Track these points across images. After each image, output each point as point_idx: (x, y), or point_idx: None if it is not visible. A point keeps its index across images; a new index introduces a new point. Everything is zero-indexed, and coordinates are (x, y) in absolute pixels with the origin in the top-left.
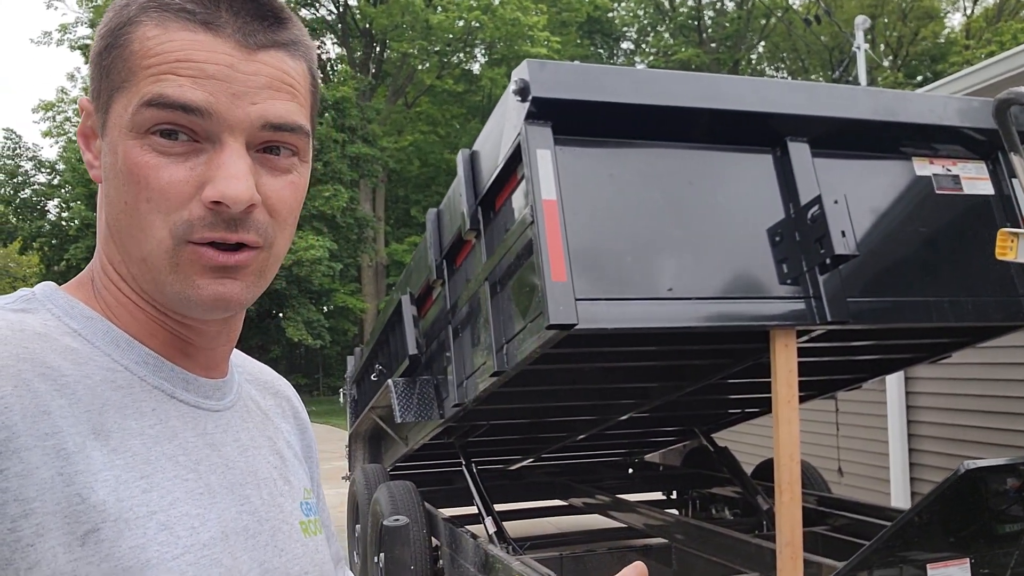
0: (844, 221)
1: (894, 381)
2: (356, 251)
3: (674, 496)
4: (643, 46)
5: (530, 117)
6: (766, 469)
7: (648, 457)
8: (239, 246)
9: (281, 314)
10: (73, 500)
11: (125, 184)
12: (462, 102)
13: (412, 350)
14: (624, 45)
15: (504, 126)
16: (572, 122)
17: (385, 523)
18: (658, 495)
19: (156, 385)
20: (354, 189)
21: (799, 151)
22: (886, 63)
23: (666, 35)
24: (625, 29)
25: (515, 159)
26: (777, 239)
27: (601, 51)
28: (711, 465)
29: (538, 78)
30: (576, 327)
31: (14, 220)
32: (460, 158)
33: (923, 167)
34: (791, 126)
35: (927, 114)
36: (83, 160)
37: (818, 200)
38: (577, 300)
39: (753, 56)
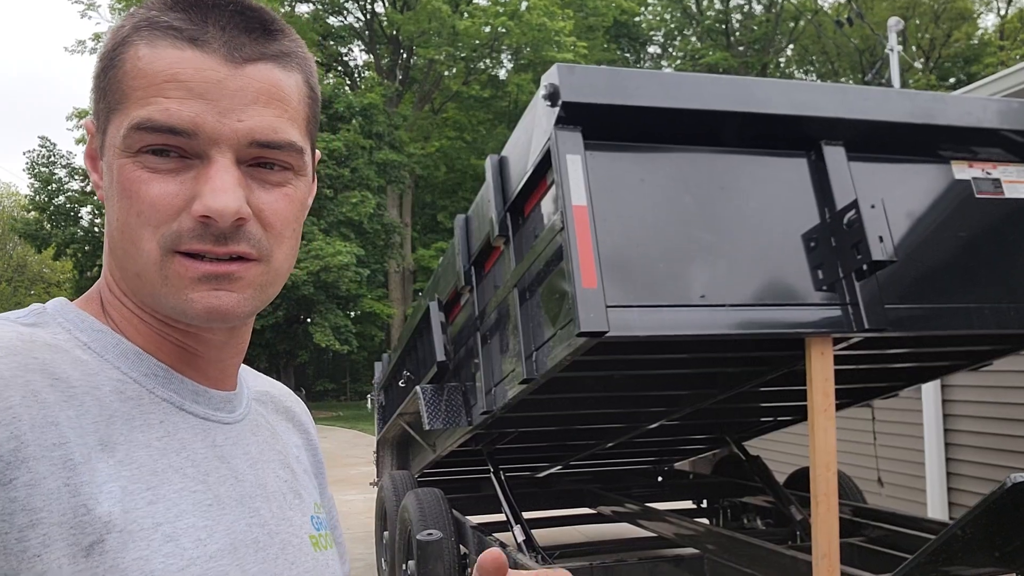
0: (882, 226)
1: (930, 388)
2: (383, 257)
3: (704, 505)
4: (670, 50)
5: (560, 122)
6: (799, 478)
7: (677, 465)
8: (232, 259)
9: (309, 320)
10: (79, 511)
11: (119, 201)
12: (488, 108)
13: (440, 357)
14: (651, 49)
15: (533, 131)
16: (602, 126)
17: (419, 537)
18: (688, 504)
19: (165, 397)
20: (381, 195)
21: (834, 154)
22: (918, 65)
23: (693, 39)
24: (652, 33)
25: (545, 164)
26: (812, 244)
27: (628, 55)
28: (742, 474)
29: (568, 82)
30: (607, 335)
31: (48, 227)
32: (489, 164)
33: (962, 171)
34: (826, 129)
35: (966, 116)
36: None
37: (855, 204)
38: (608, 307)
39: (782, 60)
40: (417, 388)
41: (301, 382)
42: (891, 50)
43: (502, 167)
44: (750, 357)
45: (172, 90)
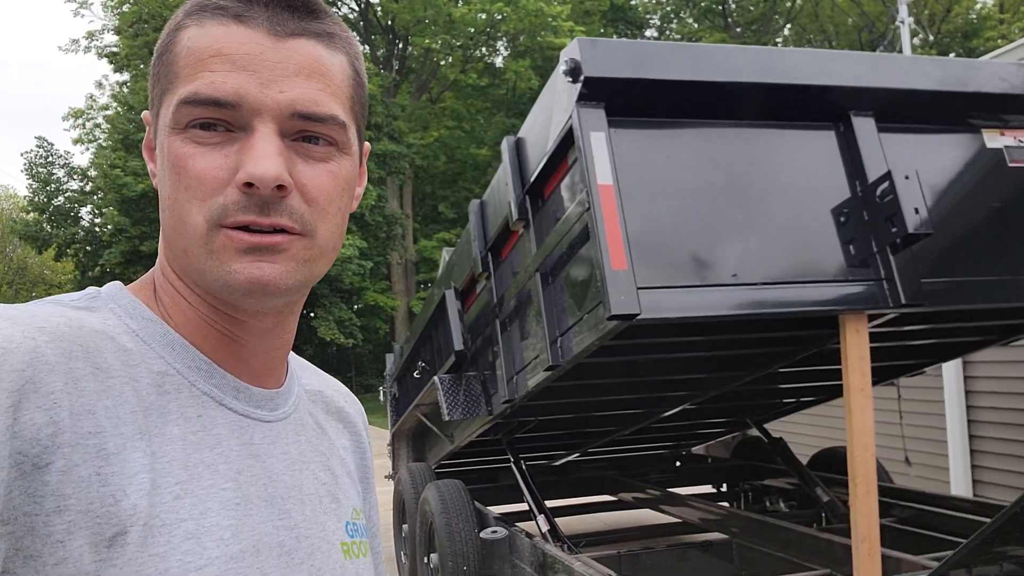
0: (917, 198)
1: (951, 365)
2: (385, 249)
3: (724, 489)
4: (667, 32)
5: (582, 98)
6: (820, 460)
7: (694, 449)
8: (276, 231)
9: (312, 313)
10: (107, 501)
11: (169, 177)
12: (486, 96)
13: (458, 346)
14: (648, 33)
15: (553, 110)
16: (625, 102)
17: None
18: (707, 488)
19: (206, 391)
20: (381, 187)
21: (864, 125)
22: (916, 41)
23: (690, 20)
24: (648, 16)
25: (566, 143)
26: (842, 219)
27: (625, 39)
28: (763, 456)
29: (590, 56)
30: (638, 317)
31: (48, 228)
32: (505, 146)
33: (994, 139)
34: (855, 99)
35: (999, 83)
36: (148, 170)
37: (888, 176)
38: (639, 289)
39: (779, 39)
40: (435, 378)
41: None
42: (902, 22)
43: (519, 149)
44: (779, 337)
45: (217, 64)
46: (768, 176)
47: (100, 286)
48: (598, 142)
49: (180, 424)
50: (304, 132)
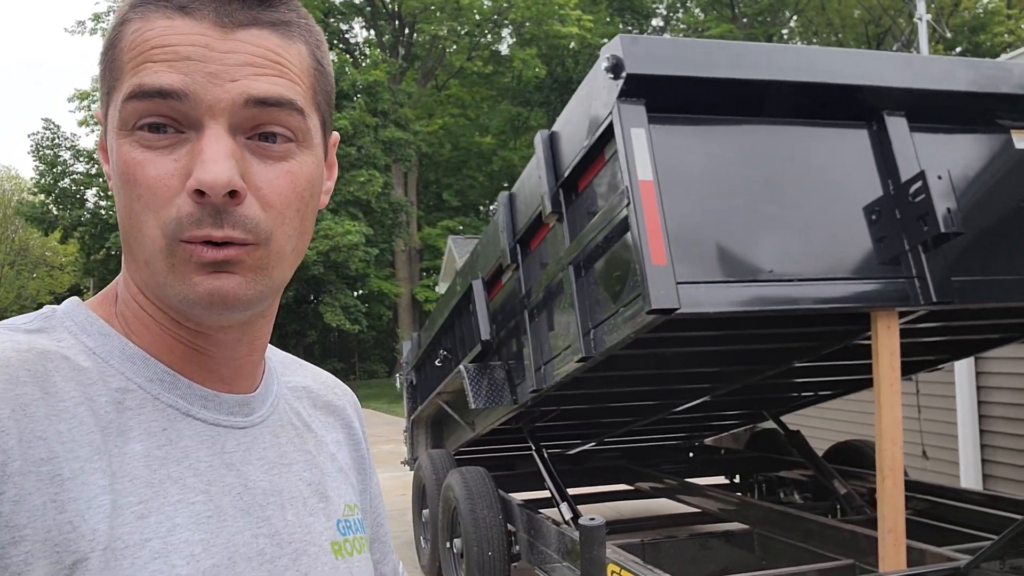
0: (949, 198)
1: (964, 360)
2: (391, 236)
3: (737, 480)
4: (673, 22)
5: (623, 95)
6: (835, 453)
7: (707, 441)
8: (227, 243)
9: (318, 300)
10: (64, 528)
11: (121, 187)
12: (491, 84)
13: (485, 336)
14: (654, 22)
15: (591, 105)
16: (665, 99)
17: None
18: (719, 479)
19: (170, 403)
20: (387, 174)
21: (897, 125)
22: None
23: (696, 10)
24: (655, 5)
25: (604, 139)
26: (874, 217)
27: (630, 28)
28: (777, 448)
29: (632, 54)
30: (677, 312)
31: (55, 210)
32: (539, 139)
33: (1022, 140)
34: (889, 99)
35: None
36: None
37: (921, 176)
38: (678, 284)
39: (785, 31)
40: (461, 367)
41: (309, 362)
42: (919, 19)
43: (553, 143)
44: (807, 332)
45: (160, 55)
46: (802, 173)
47: (105, 269)
48: (639, 138)
49: (143, 440)
50: (260, 125)
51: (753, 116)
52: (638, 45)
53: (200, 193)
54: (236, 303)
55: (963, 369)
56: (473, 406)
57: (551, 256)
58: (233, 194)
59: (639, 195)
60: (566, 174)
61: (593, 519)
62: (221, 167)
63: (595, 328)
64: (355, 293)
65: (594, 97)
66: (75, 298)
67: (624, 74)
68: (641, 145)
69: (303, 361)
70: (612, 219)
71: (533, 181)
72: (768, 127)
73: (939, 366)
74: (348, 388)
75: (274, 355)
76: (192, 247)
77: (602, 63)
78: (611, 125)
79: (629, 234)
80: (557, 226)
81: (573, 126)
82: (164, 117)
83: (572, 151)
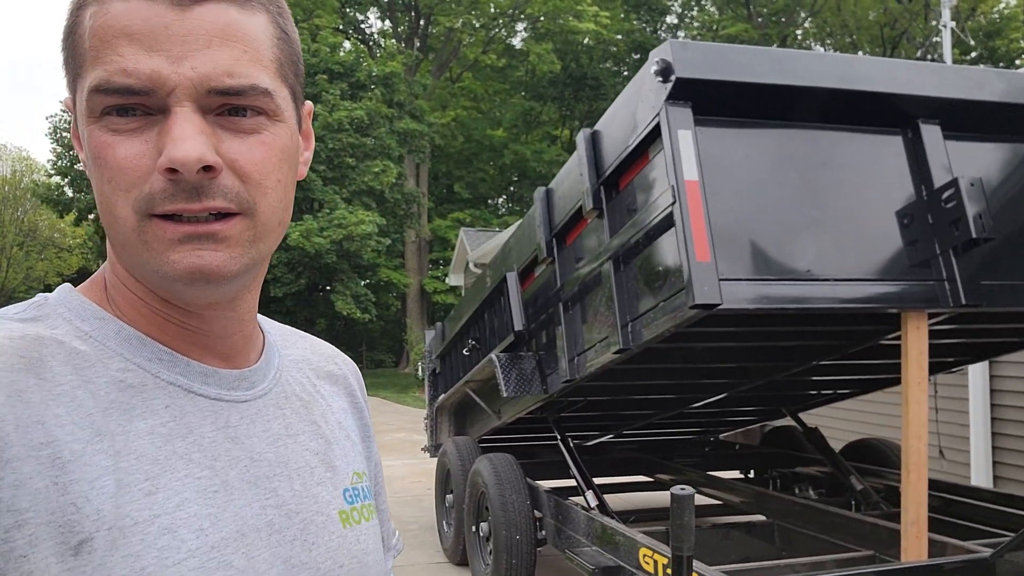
0: (981, 204)
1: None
2: (403, 226)
3: (751, 475)
4: (687, 20)
5: (671, 98)
6: (851, 451)
7: (722, 436)
8: (213, 216)
9: (329, 288)
10: (68, 510)
11: (94, 171)
12: (505, 77)
13: (518, 326)
14: (668, 19)
15: (637, 106)
16: (710, 102)
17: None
18: (735, 474)
19: (171, 381)
20: (400, 164)
21: (931, 133)
22: (937, 40)
23: (711, 9)
24: (670, 3)
25: (649, 139)
26: (906, 221)
27: (645, 26)
28: (793, 444)
29: (681, 58)
30: (719, 307)
31: (70, 192)
32: (581, 138)
33: None
34: (924, 108)
35: None
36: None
37: (954, 183)
38: (720, 280)
39: (799, 32)
40: (492, 356)
41: None
42: (944, 26)
43: (595, 141)
44: (836, 331)
45: (124, 46)
46: (838, 177)
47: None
48: (685, 140)
49: (147, 418)
50: (227, 106)
51: (793, 121)
52: (687, 50)
53: (172, 171)
54: (219, 278)
55: (977, 372)
56: (505, 394)
57: (588, 250)
58: (208, 169)
59: (685, 194)
60: (608, 172)
61: (684, 488)
62: (191, 144)
63: (633, 321)
64: (364, 283)
65: (641, 99)
66: (67, 284)
67: (673, 77)
68: (688, 146)
69: (301, 332)
70: (656, 216)
71: (573, 177)
72: (807, 132)
73: (958, 368)
74: (348, 358)
75: (272, 328)
76: (165, 223)
77: (651, 66)
78: (658, 126)
79: (673, 231)
80: (596, 221)
81: (617, 125)
82: (131, 104)
83: (615, 150)
